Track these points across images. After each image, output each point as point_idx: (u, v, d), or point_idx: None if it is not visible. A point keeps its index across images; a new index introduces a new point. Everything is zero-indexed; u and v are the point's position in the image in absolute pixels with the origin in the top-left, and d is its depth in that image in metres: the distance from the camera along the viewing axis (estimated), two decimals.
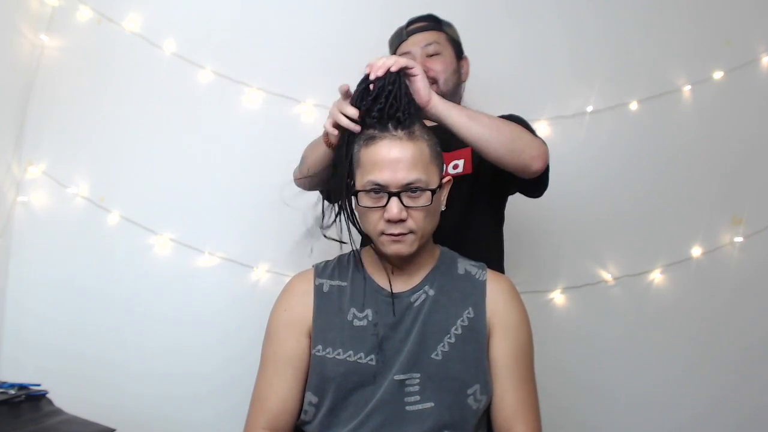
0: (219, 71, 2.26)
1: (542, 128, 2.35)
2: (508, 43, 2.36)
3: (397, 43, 1.82)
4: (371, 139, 1.31)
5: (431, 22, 1.84)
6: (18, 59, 2.18)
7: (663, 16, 2.40)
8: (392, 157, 1.28)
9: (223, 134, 2.25)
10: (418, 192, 1.29)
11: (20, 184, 2.20)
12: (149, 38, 2.24)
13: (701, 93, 2.37)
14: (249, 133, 2.28)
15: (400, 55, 1.72)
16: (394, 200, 1.27)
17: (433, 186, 1.31)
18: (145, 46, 2.23)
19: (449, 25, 1.87)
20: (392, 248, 1.31)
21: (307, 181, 1.52)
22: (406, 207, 1.28)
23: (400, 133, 1.30)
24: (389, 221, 1.28)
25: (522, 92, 2.36)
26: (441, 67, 1.77)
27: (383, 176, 1.28)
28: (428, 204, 1.30)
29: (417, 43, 1.78)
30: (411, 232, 1.30)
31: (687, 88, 2.38)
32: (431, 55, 1.77)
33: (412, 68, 1.37)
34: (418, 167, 1.29)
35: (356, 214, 1.37)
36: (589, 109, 2.36)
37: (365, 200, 1.30)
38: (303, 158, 1.56)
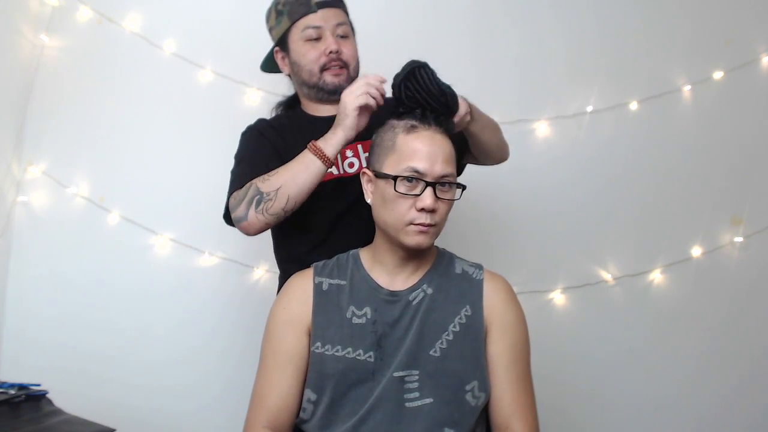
0: (219, 71, 2.26)
1: (542, 128, 2.35)
2: (507, 44, 2.36)
3: (301, 12, 1.63)
4: (413, 128, 1.35)
5: (339, 0, 1.69)
6: (18, 59, 2.18)
7: (663, 16, 2.40)
8: (433, 149, 1.33)
9: (223, 134, 2.24)
10: (447, 186, 1.34)
11: (20, 184, 2.21)
12: (149, 38, 2.24)
13: (701, 93, 2.37)
14: None
15: (306, 28, 1.61)
16: (430, 190, 1.31)
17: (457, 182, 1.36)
18: (145, 46, 2.23)
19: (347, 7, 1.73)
20: (416, 239, 1.33)
21: (274, 214, 1.44)
22: (438, 198, 1.32)
23: (439, 128, 1.36)
24: (422, 210, 1.31)
25: (522, 92, 2.36)
26: (352, 53, 1.66)
27: (423, 165, 1.32)
28: (455, 198, 1.35)
29: (328, 19, 1.63)
30: (435, 224, 1.33)
31: (687, 88, 2.38)
32: (341, 36, 1.64)
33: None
34: (451, 162, 1.35)
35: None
36: (589, 109, 2.36)
37: (400, 186, 1.32)
38: (270, 194, 1.43)
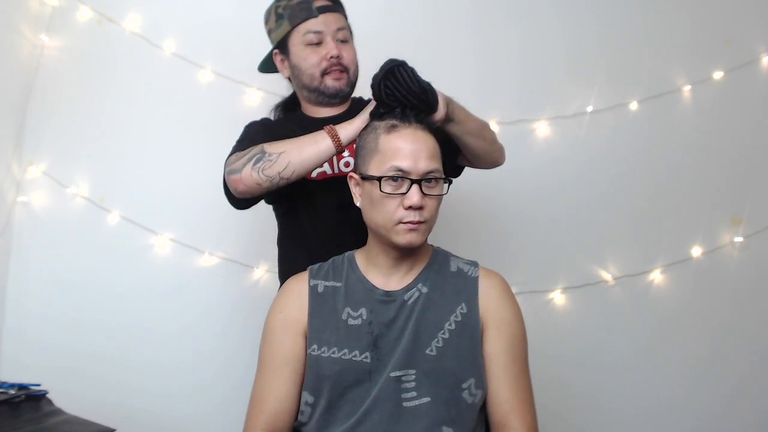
0: (219, 71, 2.26)
1: (542, 128, 2.35)
2: (508, 44, 2.36)
3: (302, 17, 1.63)
4: (394, 127, 1.36)
5: (339, 4, 1.70)
6: (18, 59, 2.19)
7: (663, 16, 2.40)
8: (416, 147, 1.33)
9: (223, 134, 2.24)
10: (433, 182, 1.33)
11: (20, 184, 2.21)
12: (149, 38, 2.24)
13: (701, 93, 2.37)
14: None
15: (307, 33, 1.62)
16: (416, 187, 1.31)
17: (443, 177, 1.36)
18: (145, 46, 2.23)
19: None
20: (407, 237, 1.33)
21: (270, 176, 1.44)
22: (424, 195, 1.32)
23: (420, 125, 1.37)
24: (410, 208, 1.31)
25: (522, 92, 2.36)
26: (352, 57, 1.67)
27: (406, 163, 1.32)
28: (444, 193, 1.35)
29: (329, 24, 1.64)
30: (425, 221, 1.33)
31: (687, 88, 2.37)
32: (341, 41, 1.65)
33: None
34: (436, 158, 1.35)
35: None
36: (589, 109, 2.36)
37: (386, 187, 1.32)
38: (273, 156, 1.44)
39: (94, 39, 2.25)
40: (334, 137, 1.43)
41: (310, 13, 1.63)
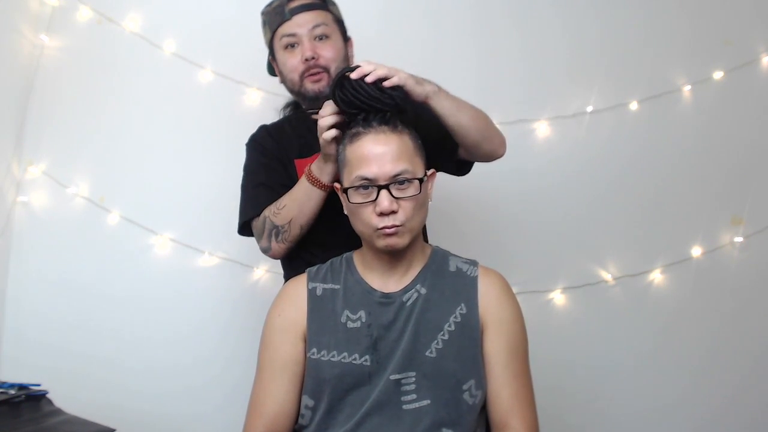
0: (219, 71, 2.26)
1: (542, 128, 2.35)
2: (508, 44, 2.36)
3: (277, 21, 1.63)
4: (356, 135, 1.35)
5: (316, 0, 1.66)
6: (18, 59, 2.18)
7: (663, 16, 2.40)
8: (378, 151, 1.31)
9: (223, 134, 2.25)
10: (405, 183, 1.31)
11: (20, 184, 2.21)
12: (149, 38, 2.24)
13: (701, 93, 2.37)
14: (249, 133, 2.27)
15: (283, 37, 1.62)
16: (384, 193, 1.30)
17: (420, 175, 1.33)
18: (145, 46, 2.23)
19: (333, 3, 1.70)
20: (387, 242, 1.32)
21: (293, 241, 1.56)
22: (396, 198, 1.30)
23: (384, 127, 1.34)
24: (381, 214, 1.30)
25: (522, 92, 2.37)
26: (331, 54, 1.62)
27: (371, 170, 1.31)
28: (417, 193, 1.32)
29: (303, 24, 1.61)
30: (402, 224, 1.31)
31: (687, 88, 2.38)
32: (319, 38, 1.62)
33: (391, 77, 1.36)
34: (404, 158, 1.32)
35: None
36: (589, 109, 2.36)
37: (355, 197, 1.32)
38: (285, 227, 1.55)
39: (94, 39, 2.25)
40: (322, 186, 1.50)
41: (283, 17, 1.62)
